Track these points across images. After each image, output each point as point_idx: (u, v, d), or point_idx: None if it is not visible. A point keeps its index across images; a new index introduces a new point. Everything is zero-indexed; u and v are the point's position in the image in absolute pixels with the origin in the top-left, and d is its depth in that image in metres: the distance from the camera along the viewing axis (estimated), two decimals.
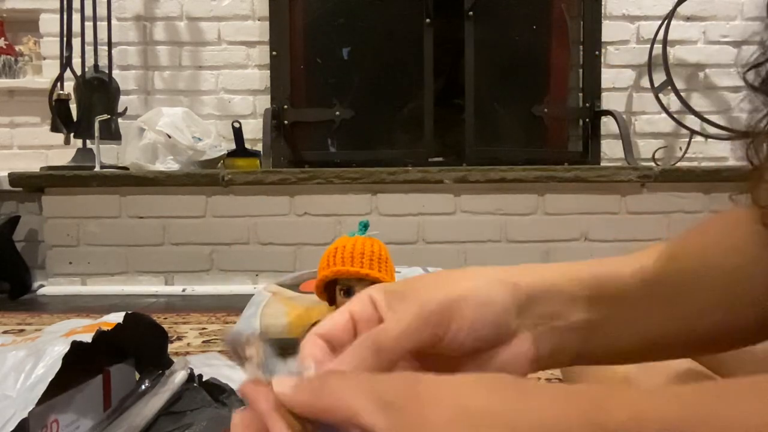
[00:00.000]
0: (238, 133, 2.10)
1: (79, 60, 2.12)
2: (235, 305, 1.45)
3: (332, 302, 1.00)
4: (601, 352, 0.36)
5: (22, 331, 1.38)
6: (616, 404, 0.21)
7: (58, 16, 2.11)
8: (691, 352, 0.41)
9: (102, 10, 2.18)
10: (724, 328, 0.35)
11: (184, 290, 1.94)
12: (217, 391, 0.80)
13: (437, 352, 0.32)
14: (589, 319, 0.35)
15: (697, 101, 2.37)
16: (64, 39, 2.10)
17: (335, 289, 0.98)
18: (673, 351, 0.38)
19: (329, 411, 0.24)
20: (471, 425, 0.22)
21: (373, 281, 0.95)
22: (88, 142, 2.13)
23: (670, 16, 2.21)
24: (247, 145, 2.17)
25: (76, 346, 0.65)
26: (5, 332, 1.36)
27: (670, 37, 2.23)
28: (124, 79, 2.30)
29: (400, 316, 0.30)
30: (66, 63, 2.11)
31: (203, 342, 1.26)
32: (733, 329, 0.35)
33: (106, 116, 2.05)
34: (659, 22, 2.27)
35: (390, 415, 0.23)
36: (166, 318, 1.50)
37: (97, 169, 2.02)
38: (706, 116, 2.21)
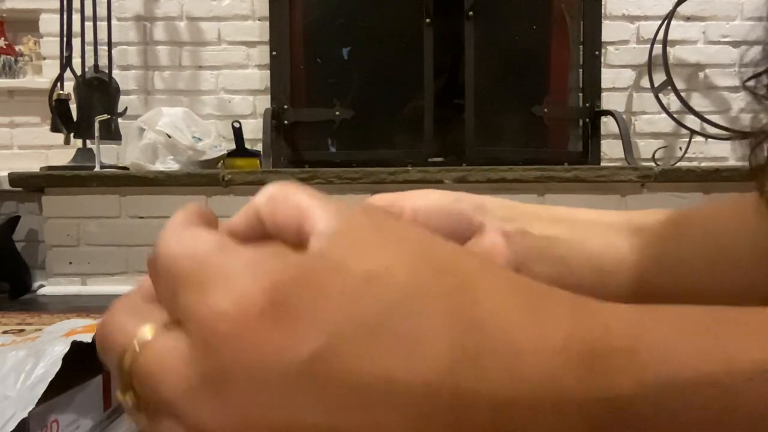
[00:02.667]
0: (238, 133, 2.10)
1: (79, 60, 2.12)
2: None
3: None
4: (571, 268, 0.32)
5: (22, 331, 1.38)
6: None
7: (58, 16, 2.11)
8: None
9: (102, 10, 2.18)
10: (708, 286, 0.32)
11: None
12: None
13: None
14: (566, 237, 0.32)
15: (697, 101, 2.37)
16: (64, 39, 2.10)
17: None
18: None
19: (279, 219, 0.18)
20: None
21: None
22: (88, 142, 2.13)
23: (670, 16, 2.21)
24: (247, 145, 2.17)
25: (76, 346, 0.65)
26: (5, 332, 1.36)
27: (670, 37, 2.23)
28: (124, 79, 2.30)
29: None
30: (66, 63, 2.11)
31: None
32: (718, 289, 0.32)
33: (106, 116, 2.05)
34: (659, 22, 2.27)
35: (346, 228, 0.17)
36: None
37: (97, 169, 2.02)
38: (706, 116, 2.21)
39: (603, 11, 2.36)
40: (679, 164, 2.19)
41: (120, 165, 2.12)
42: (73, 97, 2.13)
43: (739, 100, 2.38)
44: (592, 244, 0.32)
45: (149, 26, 2.37)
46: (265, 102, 2.33)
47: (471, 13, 2.15)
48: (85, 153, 2.13)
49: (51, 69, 2.28)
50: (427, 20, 2.15)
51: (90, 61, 2.16)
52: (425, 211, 0.29)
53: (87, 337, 0.68)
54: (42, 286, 1.98)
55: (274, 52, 2.31)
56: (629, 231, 0.33)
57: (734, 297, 0.31)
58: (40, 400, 0.60)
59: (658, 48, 2.25)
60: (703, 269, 0.32)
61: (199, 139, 2.10)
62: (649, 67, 2.30)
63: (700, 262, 0.32)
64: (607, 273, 0.32)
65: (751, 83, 0.33)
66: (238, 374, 0.15)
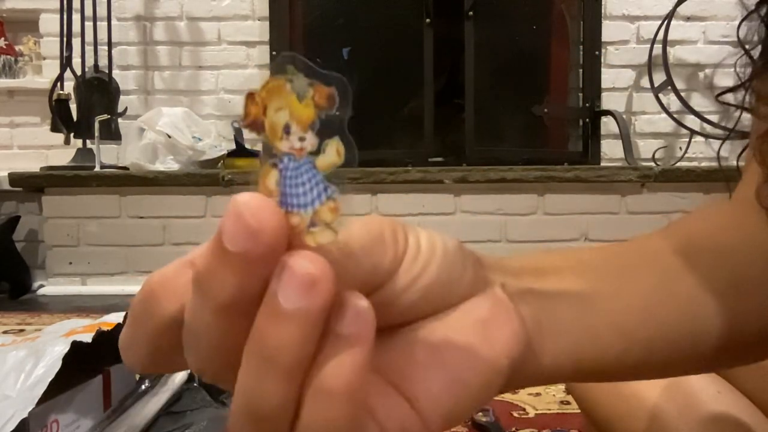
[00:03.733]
0: (238, 133, 2.10)
1: (79, 60, 2.12)
2: None
3: None
4: (586, 335, 0.27)
5: (22, 331, 1.38)
6: None
7: (58, 16, 2.11)
8: (700, 361, 0.32)
9: (102, 10, 2.18)
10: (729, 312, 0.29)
11: None
12: (217, 391, 0.80)
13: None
14: (580, 289, 0.27)
15: (697, 101, 2.37)
16: (64, 39, 2.10)
17: None
18: (685, 352, 0.30)
19: None
20: None
21: None
22: (88, 142, 2.13)
23: (670, 16, 2.21)
24: (247, 145, 2.17)
25: (76, 346, 0.65)
26: (5, 332, 1.37)
27: (670, 37, 2.23)
28: (124, 79, 2.30)
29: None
30: (66, 63, 2.11)
31: None
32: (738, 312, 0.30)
33: (106, 116, 2.05)
34: (659, 22, 2.27)
35: None
36: None
37: (97, 169, 2.02)
38: (706, 116, 2.21)
39: (603, 11, 2.36)
40: (679, 164, 2.19)
41: (120, 165, 2.12)
42: (73, 97, 2.13)
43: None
44: (608, 294, 0.28)
45: (149, 26, 2.37)
46: None
47: (471, 13, 2.15)
48: (85, 153, 2.13)
49: (51, 69, 2.28)
50: (427, 20, 2.15)
51: (90, 61, 2.16)
52: (443, 247, 0.22)
53: (87, 337, 0.68)
54: (42, 286, 1.98)
55: (274, 52, 2.31)
56: (633, 270, 0.30)
57: (753, 318, 0.30)
58: (40, 400, 0.60)
59: (658, 48, 2.24)
60: (721, 299, 0.30)
61: (199, 139, 2.10)
62: (649, 67, 2.30)
63: (717, 293, 0.30)
64: (629, 333, 0.28)
65: (726, 97, 0.34)
66: None
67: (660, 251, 0.31)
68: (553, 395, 0.92)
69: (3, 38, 2.35)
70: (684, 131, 2.28)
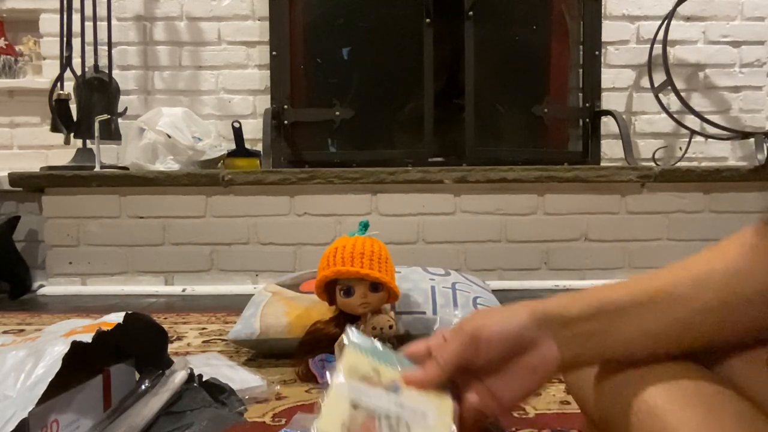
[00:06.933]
0: (238, 133, 2.10)
1: (79, 60, 2.12)
2: (235, 305, 1.45)
3: (332, 302, 1.00)
4: (610, 352, 0.48)
5: (22, 331, 1.38)
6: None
7: (58, 16, 2.11)
8: (687, 349, 0.48)
9: (102, 10, 2.18)
10: (719, 325, 0.45)
11: (184, 290, 1.94)
12: (217, 391, 0.80)
13: (482, 365, 0.48)
14: (593, 329, 0.47)
15: (697, 101, 2.37)
16: (64, 39, 2.10)
17: (335, 289, 0.98)
18: (670, 347, 0.47)
19: None
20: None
21: (373, 281, 0.95)
22: (88, 142, 2.13)
23: (670, 16, 2.21)
24: (247, 145, 2.17)
25: (76, 346, 0.65)
26: (5, 332, 1.37)
27: (670, 37, 2.23)
28: (124, 79, 2.30)
29: (449, 344, 0.50)
30: (66, 63, 2.11)
31: (203, 342, 1.26)
32: (728, 324, 0.45)
33: (106, 116, 2.05)
34: (659, 22, 2.27)
35: None
36: (166, 318, 1.50)
37: (97, 169, 2.02)
38: (706, 116, 2.21)
39: (603, 11, 2.36)
40: (679, 164, 2.19)
41: (120, 165, 2.12)
42: (73, 97, 2.13)
43: (738, 100, 2.38)
44: (622, 332, 0.47)
45: (149, 26, 2.37)
46: (265, 102, 2.33)
47: (471, 13, 2.15)
48: (85, 153, 2.13)
49: (51, 69, 2.28)
50: (427, 20, 2.15)
51: (90, 61, 2.16)
52: (498, 338, 0.47)
53: (87, 337, 0.68)
54: (42, 286, 1.99)
55: (274, 52, 2.31)
56: (649, 305, 0.46)
57: (744, 331, 0.45)
58: (40, 400, 0.60)
59: (658, 48, 2.25)
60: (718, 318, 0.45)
61: (199, 139, 2.11)
62: (649, 67, 2.30)
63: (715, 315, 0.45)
64: (637, 353, 0.47)
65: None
66: None
67: (673, 283, 0.47)
68: (553, 395, 0.92)
69: (3, 38, 2.36)
70: (684, 131, 2.28)
